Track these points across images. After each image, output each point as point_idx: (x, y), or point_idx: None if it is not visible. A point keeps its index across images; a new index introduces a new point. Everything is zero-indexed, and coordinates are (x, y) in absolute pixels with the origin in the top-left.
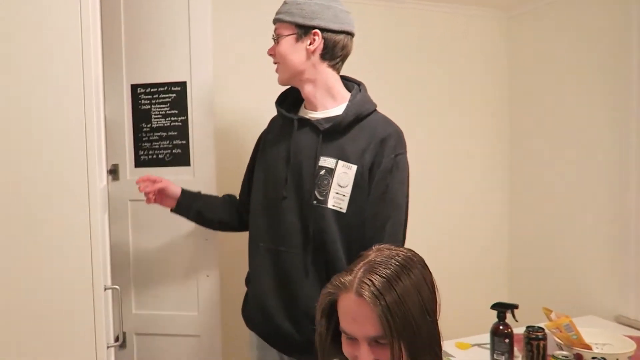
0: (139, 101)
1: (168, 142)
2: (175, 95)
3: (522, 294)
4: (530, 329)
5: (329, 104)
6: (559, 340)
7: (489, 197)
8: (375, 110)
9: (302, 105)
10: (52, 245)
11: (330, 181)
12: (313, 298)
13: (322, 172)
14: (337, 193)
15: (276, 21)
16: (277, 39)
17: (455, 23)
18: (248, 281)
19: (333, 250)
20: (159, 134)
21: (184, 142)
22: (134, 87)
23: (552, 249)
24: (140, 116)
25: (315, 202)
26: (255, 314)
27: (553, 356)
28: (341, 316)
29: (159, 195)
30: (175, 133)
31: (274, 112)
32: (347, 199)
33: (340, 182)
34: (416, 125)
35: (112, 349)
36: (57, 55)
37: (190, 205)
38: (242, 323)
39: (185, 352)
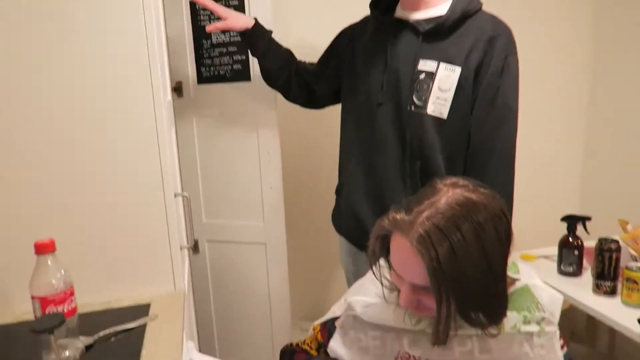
0: (198, 17)
1: (228, 57)
2: (234, 8)
3: (596, 206)
4: (603, 240)
5: (430, 2)
6: (634, 253)
7: (565, 100)
8: (481, 9)
9: (398, 6)
10: (127, 157)
11: (431, 85)
12: None
13: (422, 76)
14: (437, 98)
15: None
16: None
17: None
18: (339, 191)
19: (432, 160)
20: (219, 49)
21: (243, 57)
22: (192, 4)
23: (630, 157)
24: (200, 33)
25: (412, 108)
26: (347, 221)
27: (627, 267)
28: (392, 252)
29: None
30: (235, 49)
31: (336, 23)
32: (448, 104)
33: (442, 86)
34: None
35: (186, 251)
36: None
37: (259, 46)
38: (305, 231)
39: (253, 258)
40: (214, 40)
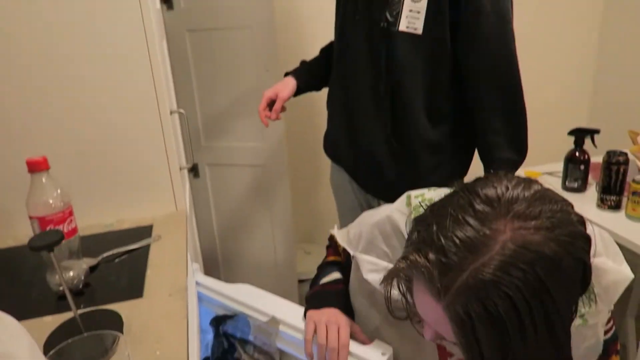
0: None
1: None
2: None
3: (607, 118)
4: (611, 153)
5: None
6: None
7: (577, 8)
8: None
9: None
10: (116, 72)
11: None
12: (376, 138)
13: None
14: (410, 11)
15: None
16: None
17: None
18: (328, 106)
19: (408, 84)
20: None
21: None
22: None
23: None
24: None
25: (384, 24)
26: (329, 141)
27: (634, 180)
28: (416, 298)
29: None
30: None
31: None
32: (422, 16)
33: None
34: None
35: (185, 172)
36: None
37: (310, 83)
38: (306, 153)
39: (254, 181)
40: None
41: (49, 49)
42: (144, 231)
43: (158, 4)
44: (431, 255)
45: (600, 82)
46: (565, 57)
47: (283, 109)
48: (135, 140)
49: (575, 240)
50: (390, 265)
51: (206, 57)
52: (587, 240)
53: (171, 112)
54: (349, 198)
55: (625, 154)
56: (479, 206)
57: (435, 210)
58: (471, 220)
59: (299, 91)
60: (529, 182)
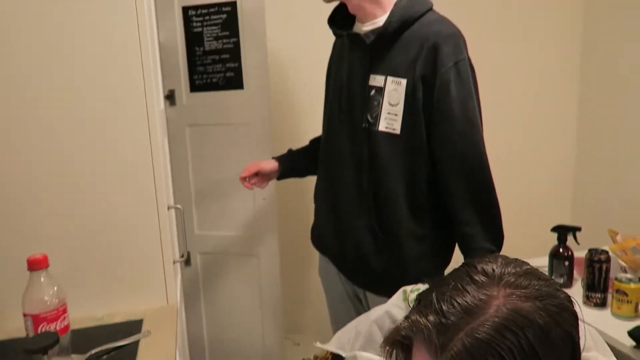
0: (191, 24)
1: (221, 65)
2: (226, 15)
3: (587, 216)
4: (592, 251)
5: (376, 12)
6: (623, 264)
7: (556, 109)
8: (430, 10)
9: (356, 20)
10: (119, 168)
11: (381, 101)
12: (361, 231)
13: (372, 92)
14: (388, 113)
15: None
16: None
17: None
18: (315, 199)
19: (389, 180)
20: (212, 57)
21: (236, 64)
22: (185, 9)
23: (622, 167)
24: (192, 39)
25: (366, 125)
26: (315, 232)
27: (616, 279)
28: (413, 356)
29: (259, 179)
30: (228, 56)
31: (329, 31)
32: (399, 118)
33: (391, 101)
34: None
35: (178, 264)
36: None
37: (293, 168)
38: (298, 244)
39: (245, 271)
40: (207, 47)
41: (52, 145)
42: (134, 326)
43: (162, 104)
44: (431, 317)
45: (580, 181)
46: (546, 157)
47: (262, 180)
48: (131, 234)
49: (563, 312)
50: None
51: (204, 150)
52: (575, 316)
53: (169, 208)
54: (338, 290)
55: (607, 252)
56: (477, 277)
57: (437, 283)
58: (469, 288)
59: (281, 175)
60: (520, 261)
